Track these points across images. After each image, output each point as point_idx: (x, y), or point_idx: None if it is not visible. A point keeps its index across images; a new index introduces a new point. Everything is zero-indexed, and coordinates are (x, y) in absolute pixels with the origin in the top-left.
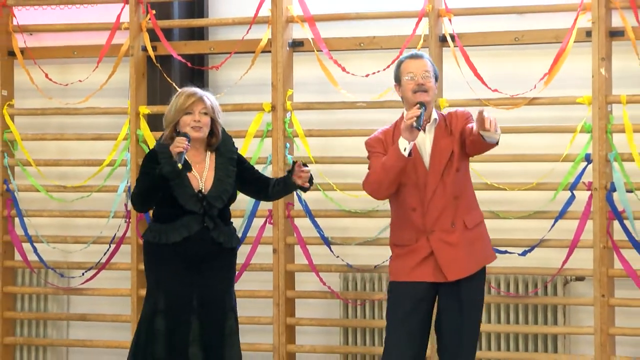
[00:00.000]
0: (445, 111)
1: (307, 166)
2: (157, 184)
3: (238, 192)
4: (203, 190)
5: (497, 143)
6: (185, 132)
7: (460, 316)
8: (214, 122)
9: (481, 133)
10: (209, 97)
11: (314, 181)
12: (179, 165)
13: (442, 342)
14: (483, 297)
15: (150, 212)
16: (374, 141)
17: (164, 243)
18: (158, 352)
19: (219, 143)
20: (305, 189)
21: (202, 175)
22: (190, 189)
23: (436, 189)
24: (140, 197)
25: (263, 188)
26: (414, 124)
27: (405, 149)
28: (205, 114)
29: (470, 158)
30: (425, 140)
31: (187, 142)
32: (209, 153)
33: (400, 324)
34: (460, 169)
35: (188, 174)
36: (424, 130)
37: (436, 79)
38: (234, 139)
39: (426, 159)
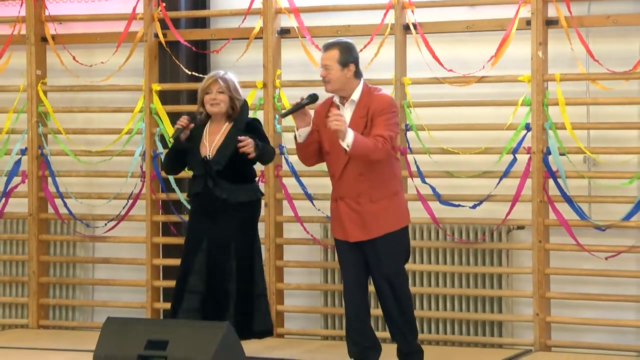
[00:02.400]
0: (408, 89)
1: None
2: (173, 152)
3: None
4: (209, 156)
5: (346, 152)
6: (190, 113)
7: (378, 269)
8: (232, 99)
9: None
10: (226, 78)
11: (261, 147)
12: (180, 138)
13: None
14: (397, 255)
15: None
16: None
17: (189, 195)
18: (179, 283)
19: (237, 115)
20: (250, 157)
21: (213, 143)
22: (198, 155)
23: (347, 163)
24: (165, 161)
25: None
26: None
27: (298, 136)
28: (221, 92)
29: (429, 126)
30: (345, 118)
31: (187, 120)
32: (226, 124)
33: (343, 270)
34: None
35: (201, 142)
36: (343, 107)
37: (348, 64)
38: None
39: None
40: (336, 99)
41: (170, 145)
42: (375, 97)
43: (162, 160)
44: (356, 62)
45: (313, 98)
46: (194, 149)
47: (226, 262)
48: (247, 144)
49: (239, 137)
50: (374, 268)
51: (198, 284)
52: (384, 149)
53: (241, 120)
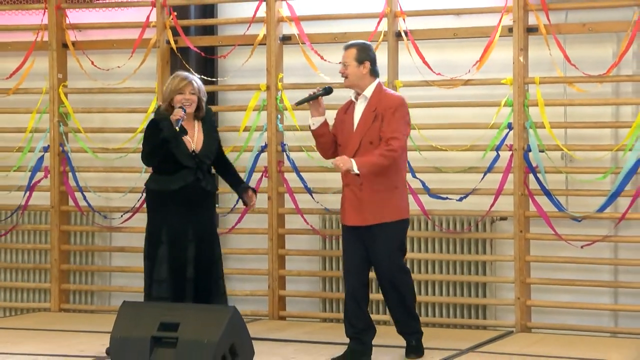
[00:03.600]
0: (399, 91)
1: (255, 192)
2: (160, 145)
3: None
4: (195, 150)
5: (358, 175)
6: (181, 105)
7: (375, 254)
8: (199, 100)
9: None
10: (196, 80)
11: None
12: (176, 129)
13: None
14: (394, 242)
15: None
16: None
17: (166, 190)
18: (162, 274)
19: (204, 115)
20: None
21: (193, 139)
22: (186, 149)
23: (355, 153)
24: (149, 155)
25: (221, 165)
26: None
27: (312, 124)
28: (193, 93)
29: (419, 125)
30: (358, 112)
31: (183, 112)
32: (196, 122)
33: (344, 254)
34: (374, 143)
35: (183, 138)
36: (357, 102)
37: (364, 61)
38: (237, 112)
39: (355, 127)
40: (352, 95)
41: (161, 135)
42: (386, 96)
43: (149, 152)
44: (372, 61)
45: (327, 90)
46: (177, 143)
47: (213, 250)
48: (254, 203)
49: (254, 200)
50: (371, 256)
51: (192, 272)
52: (390, 155)
53: (210, 120)
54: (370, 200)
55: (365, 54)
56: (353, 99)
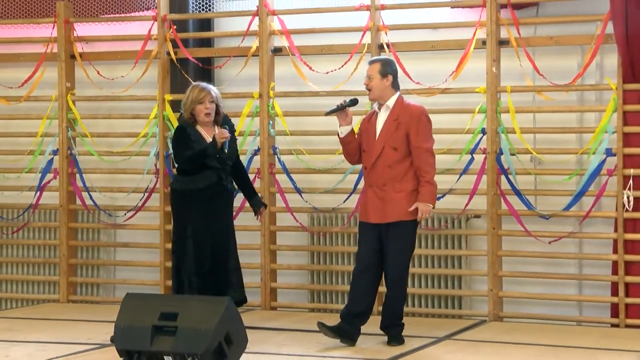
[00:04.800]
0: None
1: (266, 207)
2: (201, 155)
3: None
4: (219, 153)
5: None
6: (223, 126)
7: (388, 249)
8: (217, 106)
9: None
10: (213, 89)
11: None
12: (224, 149)
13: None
14: (407, 240)
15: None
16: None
17: (191, 189)
18: (189, 266)
19: (221, 119)
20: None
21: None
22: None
23: (378, 157)
24: (192, 163)
25: (236, 169)
26: (327, 110)
27: (340, 133)
28: (212, 102)
29: None
30: (380, 121)
31: (228, 134)
32: (216, 127)
33: (359, 249)
34: (398, 149)
35: (206, 142)
36: (379, 112)
37: (387, 75)
38: (232, 118)
39: (377, 134)
40: (375, 106)
41: (207, 151)
42: (408, 106)
43: (190, 159)
44: (394, 75)
45: (353, 102)
46: (208, 148)
47: (228, 244)
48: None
49: (262, 215)
50: (385, 251)
51: (210, 265)
52: (430, 162)
53: (230, 124)
54: (392, 199)
55: (388, 68)
56: (376, 109)
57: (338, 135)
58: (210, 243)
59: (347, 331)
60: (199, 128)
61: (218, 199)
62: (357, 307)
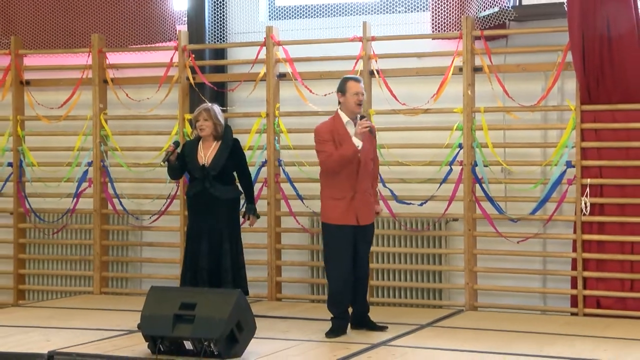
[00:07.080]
0: (372, 118)
1: (257, 217)
2: (170, 168)
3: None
4: (205, 164)
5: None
6: (175, 141)
7: (364, 248)
8: (214, 124)
9: None
10: (210, 109)
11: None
12: (162, 161)
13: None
14: (372, 239)
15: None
16: (325, 132)
17: (188, 195)
18: (186, 262)
19: (222, 136)
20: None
21: (207, 155)
22: (197, 163)
23: (363, 168)
24: (169, 173)
25: (239, 178)
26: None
27: (359, 146)
28: (206, 120)
29: (388, 145)
30: (352, 133)
31: (173, 146)
32: (215, 142)
33: (342, 250)
34: (374, 161)
35: (197, 155)
36: (346, 124)
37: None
38: (242, 134)
39: (360, 145)
40: (345, 120)
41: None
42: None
43: (168, 168)
44: None
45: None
46: (192, 159)
47: (222, 244)
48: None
49: (251, 221)
50: (359, 248)
51: (205, 262)
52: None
53: (227, 139)
54: (370, 203)
55: None
56: (344, 122)
57: (356, 150)
58: (207, 243)
59: (343, 326)
60: (202, 143)
61: (204, 204)
62: (346, 303)
